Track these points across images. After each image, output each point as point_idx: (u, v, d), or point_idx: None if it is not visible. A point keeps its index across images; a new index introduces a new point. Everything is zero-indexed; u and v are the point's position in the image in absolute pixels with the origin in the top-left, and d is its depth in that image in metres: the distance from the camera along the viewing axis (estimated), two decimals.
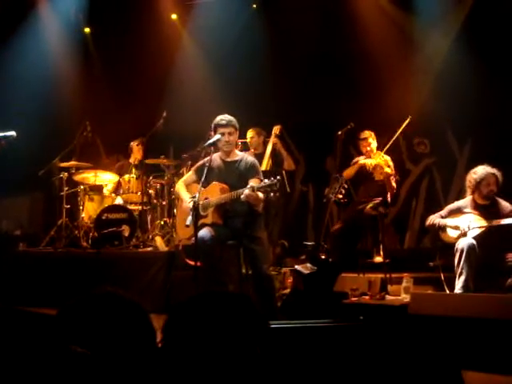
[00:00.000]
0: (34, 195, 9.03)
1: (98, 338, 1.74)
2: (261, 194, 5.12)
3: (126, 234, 7.46)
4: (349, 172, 7.15)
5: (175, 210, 7.35)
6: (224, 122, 5.43)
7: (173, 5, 9.05)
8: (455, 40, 7.96)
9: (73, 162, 7.89)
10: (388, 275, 6.42)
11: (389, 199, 7.08)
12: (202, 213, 5.36)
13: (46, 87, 8.71)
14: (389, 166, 7.05)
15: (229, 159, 5.57)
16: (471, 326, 4.35)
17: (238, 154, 5.64)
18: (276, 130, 7.61)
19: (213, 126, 5.48)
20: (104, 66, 9.50)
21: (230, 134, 5.44)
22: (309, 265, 5.30)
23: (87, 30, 9.58)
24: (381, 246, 7.02)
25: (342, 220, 7.27)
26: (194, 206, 5.04)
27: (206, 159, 5.58)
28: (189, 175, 5.84)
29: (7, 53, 8.66)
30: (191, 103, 8.70)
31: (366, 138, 7.21)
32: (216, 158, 5.55)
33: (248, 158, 5.65)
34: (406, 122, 7.24)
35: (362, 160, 7.22)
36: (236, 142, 5.72)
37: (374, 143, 7.22)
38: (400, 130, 7.28)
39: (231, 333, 1.66)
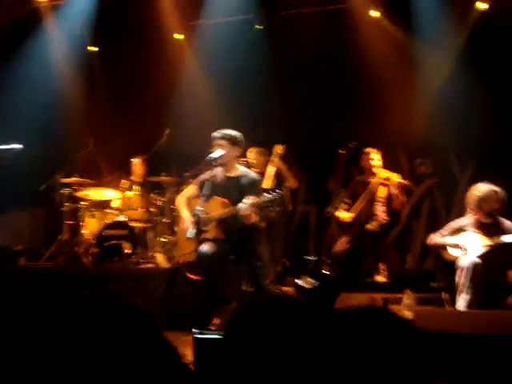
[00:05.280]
0: (35, 210, 9.01)
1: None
2: (249, 211, 5.08)
3: (127, 250, 7.44)
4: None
5: (176, 228, 7.34)
6: (217, 134, 5.47)
7: (177, 25, 9.11)
8: (457, 60, 7.99)
9: (74, 178, 7.90)
10: (390, 295, 6.38)
11: (389, 219, 7.08)
12: (203, 227, 5.36)
13: (50, 103, 8.74)
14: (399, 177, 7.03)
15: (231, 174, 5.58)
16: (476, 342, 4.32)
17: (241, 170, 5.64)
18: (278, 149, 7.62)
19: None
20: (108, 83, 9.53)
21: (220, 146, 5.43)
22: (310, 279, 5.28)
23: (92, 48, 9.65)
24: (380, 265, 6.98)
25: (345, 241, 7.22)
26: (196, 219, 5.04)
27: (207, 173, 5.58)
28: (190, 189, 5.83)
29: (12, 69, 8.71)
30: (194, 122, 8.71)
31: (369, 153, 7.22)
32: (218, 172, 5.57)
33: (251, 174, 5.65)
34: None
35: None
36: (234, 157, 5.64)
37: (376, 159, 7.22)
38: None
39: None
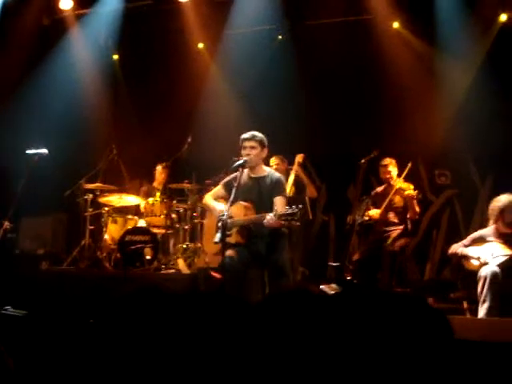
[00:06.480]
0: (58, 215, 9.11)
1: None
2: (272, 222, 5.12)
3: (149, 256, 7.49)
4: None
5: (204, 220, 7.37)
6: (247, 135, 5.54)
7: (200, 34, 9.22)
8: (478, 73, 8.03)
9: (98, 184, 8.00)
10: None
11: (409, 226, 7.11)
12: (227, 231, 5.38)
13: (74, 110, 8.91)
14: (410, 189, 7.08)
15: (255, 175, 5.60)
16: (497, 350, 4.32)
17: (266, 170, 5.68)
18: (299, 158, 7.68)
19: (240, 141, 5.57)
20: (131, 91, 9.68)
21: (251, 147, 5.50)
22: (334, 285, 5.32)
23: (116, 56, 9.80)
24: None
25: (361, 250, 7.28)
26: (222, 223, 5.06)
27: (234, 174, 5.59)
28: (217, 189, 5.86)
29: (38, 76, 8.86)
30: (216, 130, 8.79)
31: (386, 165, 7.29)
32: (244, 174, 5.59)
33: (274, 174, 5.66)
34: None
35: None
36: (261, 159, 5.68)
37: (394, 171, 7.29)
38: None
39: None
